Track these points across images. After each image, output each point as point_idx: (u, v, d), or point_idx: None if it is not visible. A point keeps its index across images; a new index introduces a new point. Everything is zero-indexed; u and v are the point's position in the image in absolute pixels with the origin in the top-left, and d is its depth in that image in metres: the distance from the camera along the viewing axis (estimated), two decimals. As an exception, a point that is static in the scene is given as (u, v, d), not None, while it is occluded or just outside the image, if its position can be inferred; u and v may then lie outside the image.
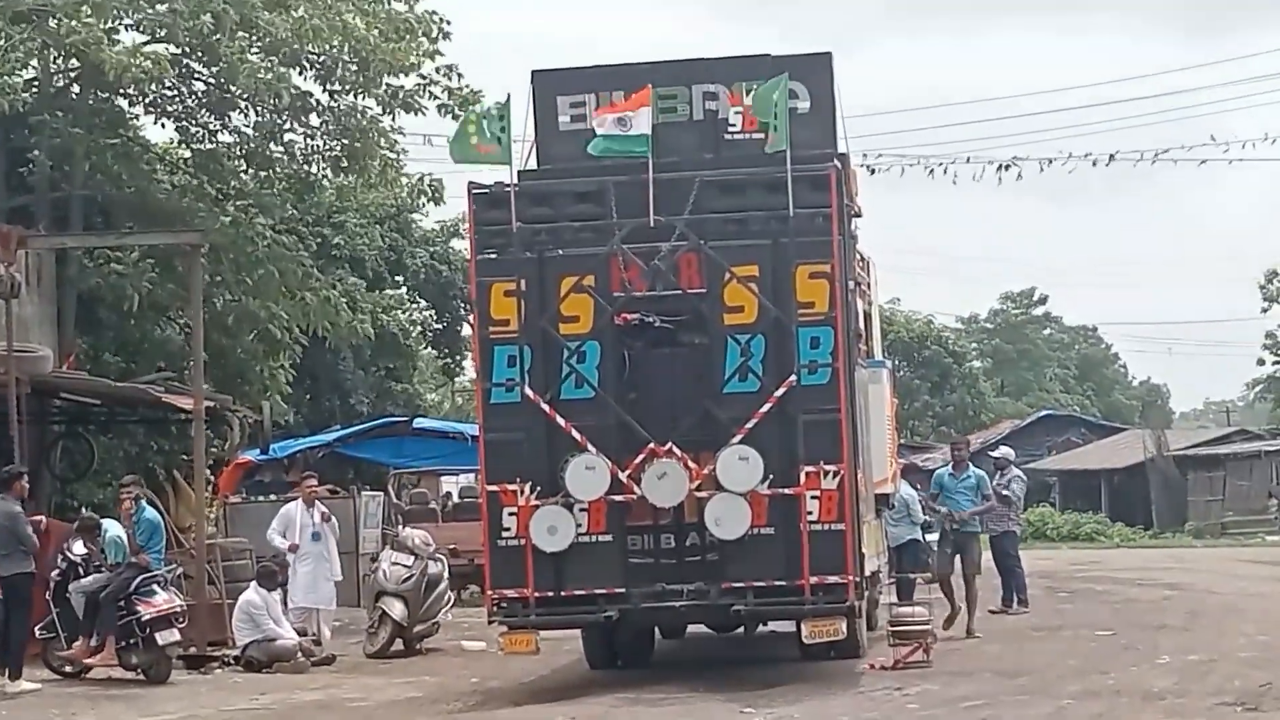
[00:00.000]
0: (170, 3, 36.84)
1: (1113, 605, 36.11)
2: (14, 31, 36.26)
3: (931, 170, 58.17)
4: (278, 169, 42.04)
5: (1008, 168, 58.48)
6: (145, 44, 36.00)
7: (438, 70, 39.67)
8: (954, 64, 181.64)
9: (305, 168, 42.20)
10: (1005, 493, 34.72)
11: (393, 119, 40.52)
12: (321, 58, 39.22)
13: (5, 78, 35.89)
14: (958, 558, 28.03)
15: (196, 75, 40.24)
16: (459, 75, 39.91)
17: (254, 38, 37.35)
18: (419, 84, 39.47)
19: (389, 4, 40.10)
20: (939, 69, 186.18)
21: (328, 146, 41.30)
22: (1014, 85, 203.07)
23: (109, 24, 35.33)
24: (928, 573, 27.30)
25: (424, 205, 49.67)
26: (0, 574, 26.84)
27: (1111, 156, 58.45)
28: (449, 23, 40.21)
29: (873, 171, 51.77)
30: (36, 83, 38.73)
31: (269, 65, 37.34)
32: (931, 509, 28.91)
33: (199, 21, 36.54)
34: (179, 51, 37.98)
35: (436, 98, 39.74)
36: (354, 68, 39.11)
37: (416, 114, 40.02)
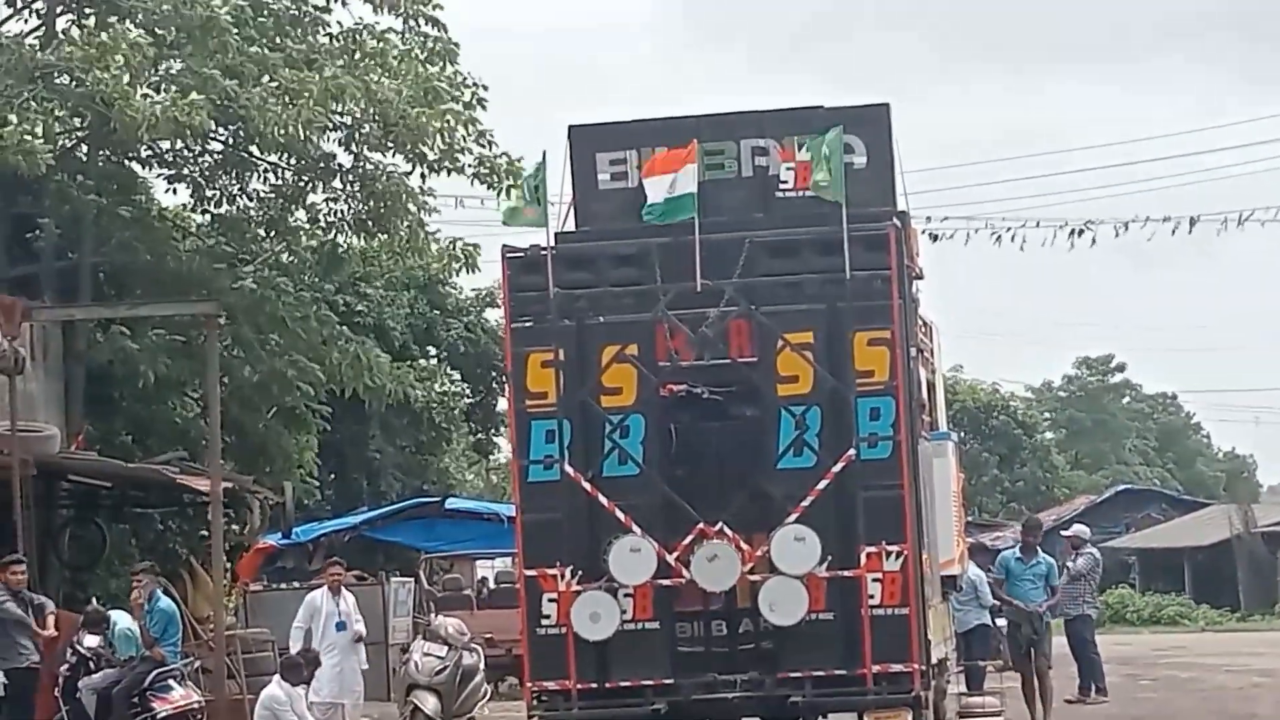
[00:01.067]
0: (187, 60, 37.08)
1: (1199, 694, 36.04)
2: (25, 89, 36.39)
3: (998, 234, 58.28)
4: (301, 237, 42.15)
5: (1081, 232, 58.52)
6: (176, 98, 36.01)
7: (468, 136, 39.78)
8: (1009, 112, 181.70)
9: (328, 235, 42.29)
10: (1086, 579, 34.81)
11: (422, 179, 40.67)
12: (345, 118, 39.45)
13: (29, 139, 35.97)
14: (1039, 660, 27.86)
15: (214, 135, 40.39)
16: (492, 142, 40.08)
17: (280, 92, 37.45)
18: (445, 149, 39.55)
19: (422, 67, 40.28)
20: (992, 118, 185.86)
21: (352, 210, 41.45)
22: (1074, 137, 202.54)
23: (130, 79, 35.41)
24: (999, 659, 27.21)
25: (456, 272, 49.84)
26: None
27: (1193, 220, 58.48)
28: (486, 88, 40.41)
29: (935, 238, 51.87)
30: (43, 143, 38.83)
31: (295, 115, 37.41)
32: (999, 598, 28.76)
33: (218, 80, 36.88)
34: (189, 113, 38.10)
35: (470, 166, 39.89)
36: (379, 129, 39.29)
37: (448, 174, 40.14)
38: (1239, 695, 35.13)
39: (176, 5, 36.95)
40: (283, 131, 37.47)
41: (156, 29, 36.98)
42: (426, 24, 40.82)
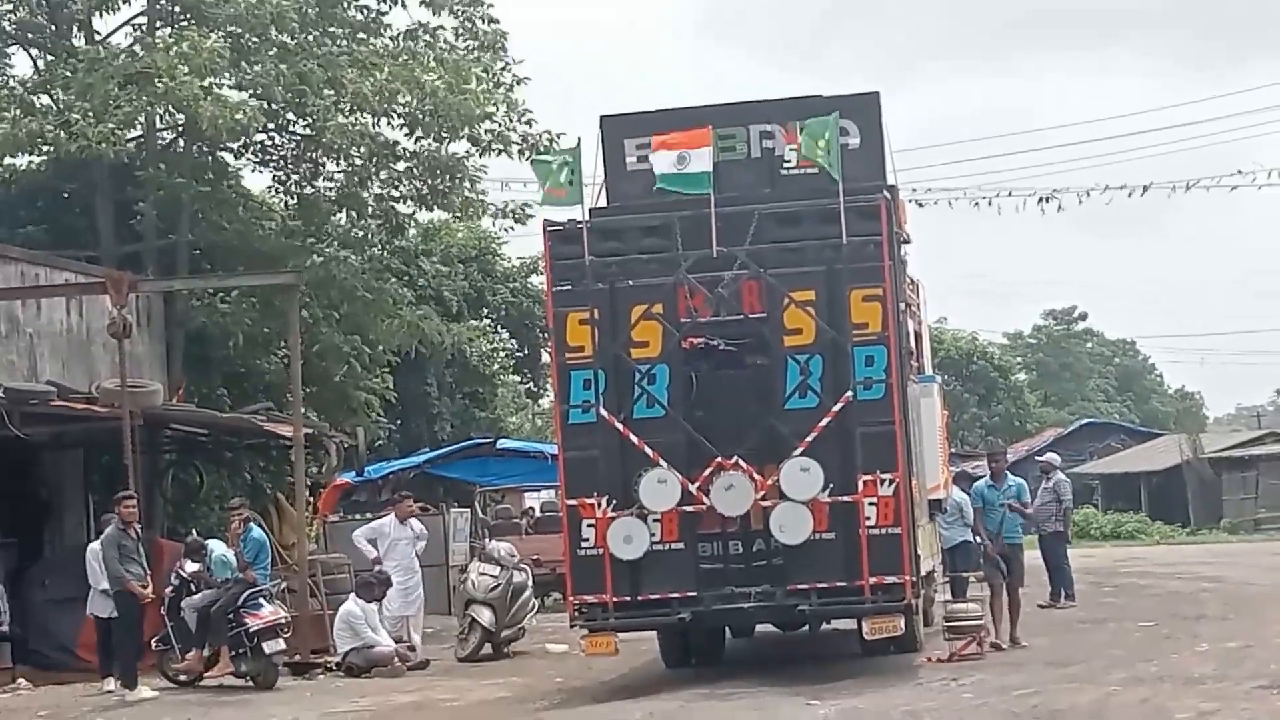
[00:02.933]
0: (262, 62, 37.09)
1: (1154, 598, 36.04)
2: (122, 93, 36.46)
3: (976, 202, 58.62)
4: (368, 210, 42.19)
5: (1049, 199, 58.87)
6: (241, 102, 36.07)
7: (510, 116, 39.78)
8: (990, 95, 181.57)
9: (393, 207, 42.32)
10: (1057, 499, 34.98)
11: (478, 158, 40.71)
12: (404, 112, 39.49)
13: (116, 130, 36.00)
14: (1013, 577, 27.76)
15: (290, 129, 40.45)
16: (532, 121, 40.07)
17: (341, 95, 37.50)
18: (492, 131, 39.56)
19: (459, 54, 40.26)
20: (977, 101, 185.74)
21: (412, 188, 41.50)
22: (1048, 117, 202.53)
23: (207, 82, 35.46)
24: (979, 571, 27.20)
25: (509, 231, 49.87)
26: (108, 591, 27.17)
27: (1145, 188, 58.76)
28: (525, 80, 40.40)
29: (921, 205, 51.88)
30: (143, 138, 38.88)
31: (356, 119, 37.55)
32: (976, 530, 28.59)
33: (288, 79, 36.89)
34: (274, 107, 38.18)
35: (514, 142, 39.87)
36: (434, 119, 39.30)
37: (498, 154, 40.16)
38: (1189, 599, 35.13)
39: (252, 9, 36.93)
40: (349, 127, 37.67)
41: (236, 37, 36.95)
42: (480, 20, 40.72)
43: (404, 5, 40.69)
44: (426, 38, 40.76)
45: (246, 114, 36.02)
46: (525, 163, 39.54)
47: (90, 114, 35.61)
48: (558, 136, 39.25)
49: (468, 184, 41.65)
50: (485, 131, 39.61)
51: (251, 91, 37.16)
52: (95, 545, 27.40)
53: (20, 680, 29.60)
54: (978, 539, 27.57)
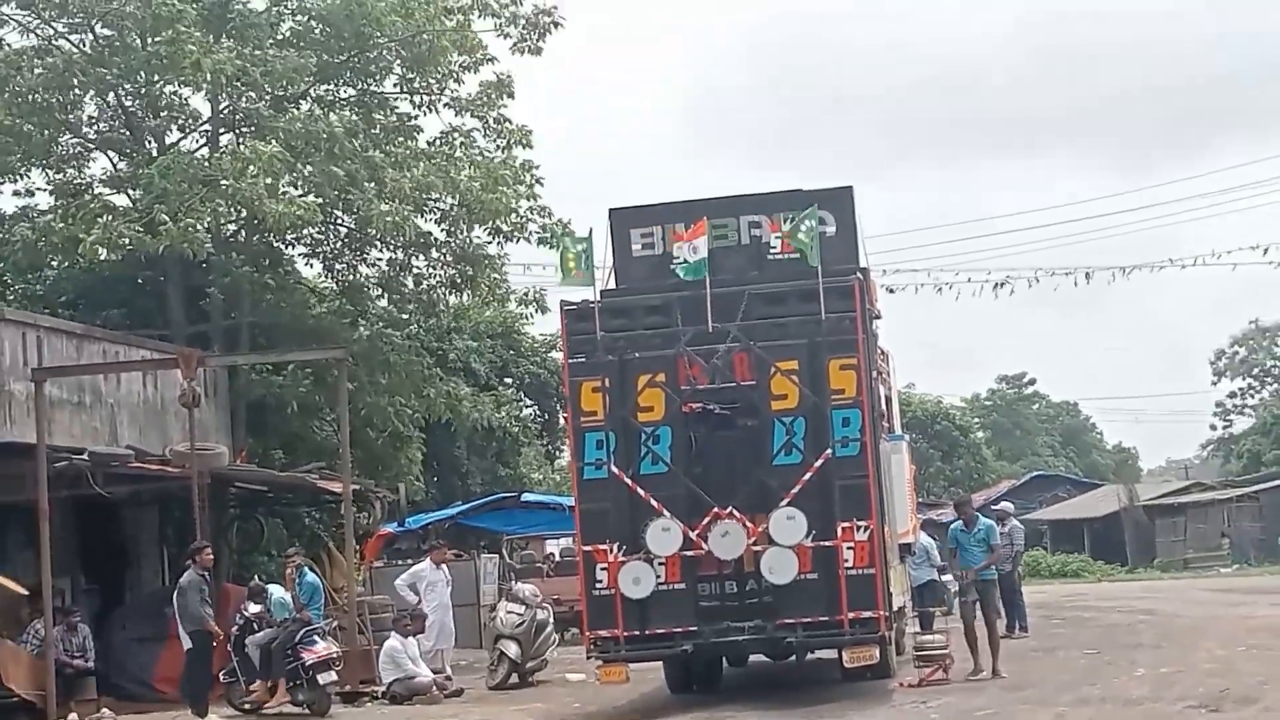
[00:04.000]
0: (314, 164, 37.20)
1: (1097, 629, 36.00)
2: (194, 194, 36.55)
3: (939, 287, 59.23)
4: (406, 294, 42.34)
5: (1002, 284, 59.63)
6: (301, 198, 36.20)
7: (531, 210, 39.96)
8: (944, 190, 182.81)
9: (428, 293, 42.49)
10: (1012, 543, 35.08)
11: (500, 247, 40.85)
12: (438, 204, 39.70)
13: (193, 228, 36.16)
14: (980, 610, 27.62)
15: (339, 221, 40.58)
16: (550, 212, 40.24)
17: (382, 191, 37.60)
18: (516, 223, 39.71)
19: (491, 156, 40.46)
20: (932, 195, 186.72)
21: (444, 275, 41.66)
22: (996, 209, 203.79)
23: (269, 182, 35.56)
24: (944, 607, 27.15)
25: (531, 315, 50.07)
26: (188, 631, 27.16)
27: (1088, 274, 59.43)
28: (540, 171, 40.58)
29: (891, 291, 52.09)
30: (210, 232, 38.91)
31: (396, 210, 37.59)
32: (952, 571, 28.47)
33: (338, 179, 37.02)
34: (324, 202, 38.27)
35: (534, 232, 40.00)
36: (464, 212, 39.51)
37: (517, 242, 40.33)
38: (1127, 629, 35.10)
39: (306, 124, 37.04)
40: (388, 221, 37.71)
41: (291, 143, 37.01)
42: (498, 122, 40.87)
43: (436, 111, 40.86)
44: (460, 140, 40.91)
45: (306, 210, 36.13)
46: (542, 249, 39.91)
47: (169, 215, 35.68)
48: (568, 223, 39.45)
49: (493, 272, 41.83)
50: (508, 223, 39.71)
51: (304, 190, 37.22)
52: (187, 582, 27.36)
53: (105, 710, 29.45)
54: (946, 578, 27.54)
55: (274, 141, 36.55)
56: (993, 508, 47.40)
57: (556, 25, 40.48)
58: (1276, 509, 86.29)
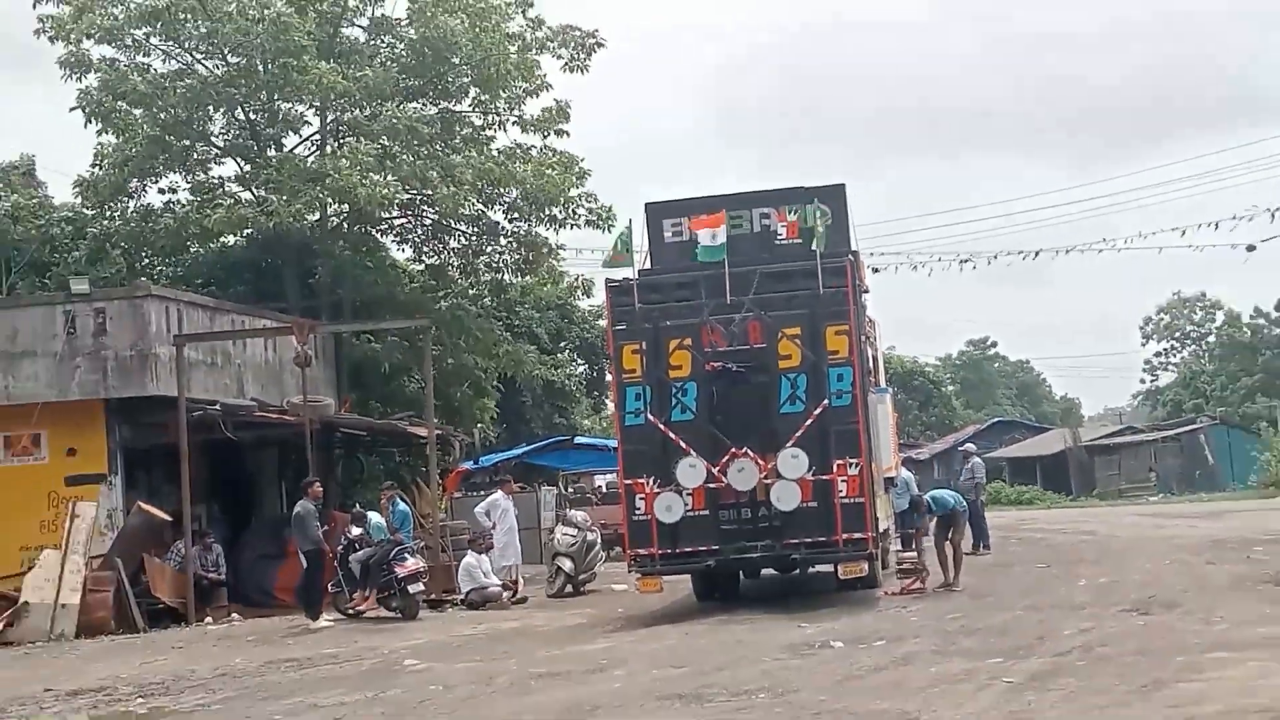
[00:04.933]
0: (404, 160, 37.30)
1: (1046, 548, 35.90)
2: (304, 187, 36.67)
3: (916, 267, 59.30)
4: (480, 274, 42.34)
5: (967, 261, 59.84)
6: (384, 181, 36.26)
7: (580, 195, 39.91)
8: (921, 184, 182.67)
9: (498, 274, 42.52)
10: (974, 476, 35.17)
11: (556, 234, 40.90)
12: (504, 199, 39.80)
13: (299, 211, 36.42)
14: (949, 533, 27.47)
15: (424, 213, 40.57)
16: (595, 198, 40.17)
17: (449, 178, 37.69)
18: (568, 208, 39.70)
19: (540, 150, 40.62)
20: (911, 187, 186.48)
21: (511, 260, 41.70)
22: (964, 200, 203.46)
23: (361, 177, 35.74)
24: (921, 533, 27.04)
25: (579, 297, 50.34)
26: (303, 550, 27.29)
27: (1037, 252, 59.48)
28: (587, 164, 40.52)
29: (877, 270, 51.83)
30: (319, 222, 39.00)
31: (462, 194, 37.79)
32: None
33: (423, 175, 37.22)
34: (411, 194, 38.44)
35: (583, 215, 39.94)
36: (526, 205, 39.57)
37: (570, 228, 40.28)
38: (1071, 547, 35.00)
39: (395, 120, 37.18)
40: (452, 203, 37.84)
41: (382, 141, 37.17)
42: (556, 135, 40.97)
43: (505, 129, 40.88)
44: (520, 153, 40.83)
45: (389, 189, 36.34)
46: (588, 230, 39.99)
47: (283, 200, 36.00)
48: (611, 208, 39.67)
49: (551, 258, 42.00)
50: (561, 209, 39.72)
51: (394, 177, 37.24)
52: (303, 511, 27.45)
53: (234, 615, 29.67)
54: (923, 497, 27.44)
55: (366, 142, 36.83)
56: (959, 448, 47.53)
57: (600, 45, 40.60)
58: (1194, 448, 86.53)
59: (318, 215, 38.63)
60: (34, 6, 38.35)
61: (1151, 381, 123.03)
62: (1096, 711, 12.13)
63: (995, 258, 62.26)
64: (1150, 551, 31.53)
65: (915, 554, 25.64)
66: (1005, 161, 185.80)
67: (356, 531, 28.49)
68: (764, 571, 26.89)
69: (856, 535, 23.56)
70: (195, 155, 39.94)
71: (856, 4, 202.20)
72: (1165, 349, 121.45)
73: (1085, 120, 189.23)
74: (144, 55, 39.21)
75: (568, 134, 40.74)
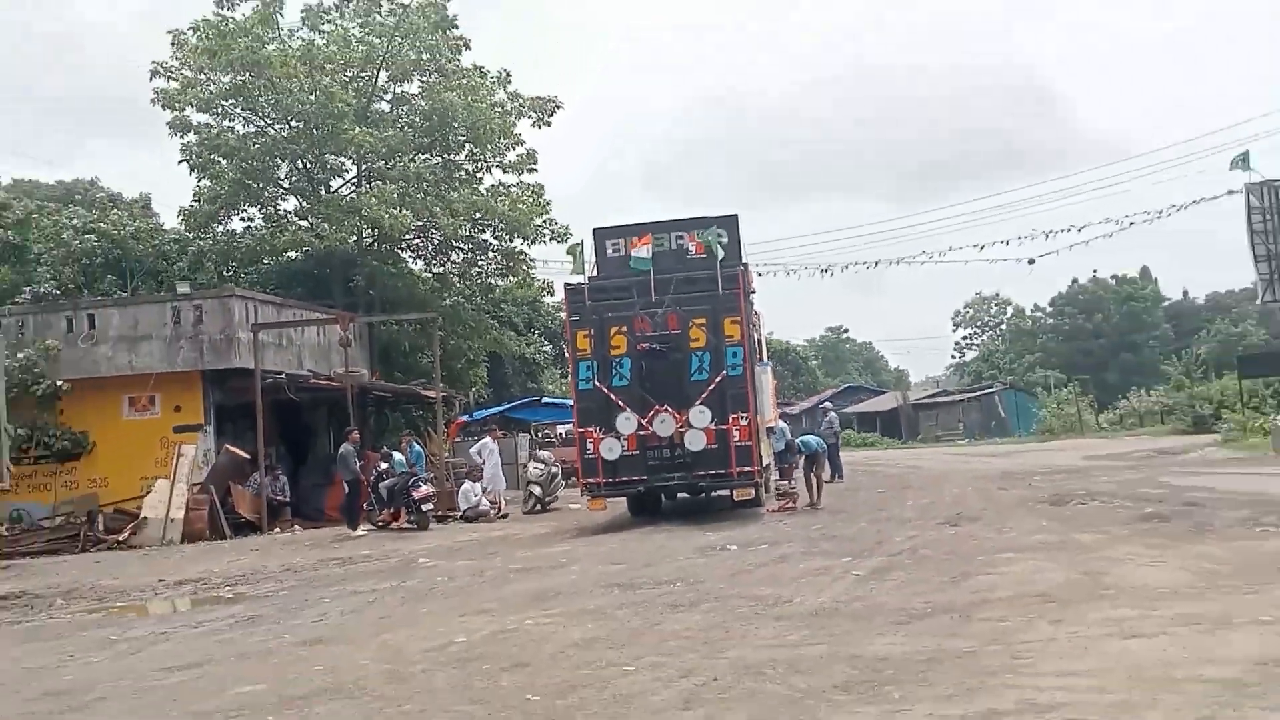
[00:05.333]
0: (416, 198, 37.56)
1: (885, 477, 36.11)
2: (345, 218, 36.81)
3: (789, 273, 59.73)
4: (473, 279, 42.38)
5: (825, 270, 59.93)
6: (403, 214, 36.54)
7: (545, 221, 40.21)
8: (800, 213, 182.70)
9: (486, 279, 42.66)
10: (834, 427, 35.29)
11: (528, 249, 41.15)
12: (489, 223, 40.09)
13: (342, 236, 36.66)
14: (813, 468, 27.53)
15: (432, 237, 40.62)
16: (556, 221, 40.65)
17: (449, 209, 38.05)
18: (534, 232, 40.09)
19: (519, 191, 40.70)
20: (782, 217, 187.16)
21: (496, 267, 41.89)
22: (821, 224, 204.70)
23: (389, 209, 35.98)
24: (793, 468, 27.13)
25: (545, 295, 50.36)
26: (345, 480, 27.18)
27: (876, 263, 59.70)
28: (549, 195, 40.90)
29: (760, 274, 51.94)
30: (356, 243, 38.94)
31: (458, 223, 38.33)
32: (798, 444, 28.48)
33: (431, 208, 37.58)
34: (421, 223, 38.75)
35: (547, 235, 40.29)
36: (503, 227, 39.96)
37: (538, 245, 40.81)
38: (902, 478, 35.25)
39: (407, 172, 37.45)
40: (461, 235, 38.24)
41: (402, 184, 37.40)
42: (528, 174, 41.32)
43: (490, 171, 41.11)
44: (502, 190, 40.97)
45: (407, 219, 37.01)
46: (553, 243, 40.47)
47: (330, 228, 36.33)
48: (568, 227, 40.34)
49: (524, 267, 42.20)
50: (530, 231, 40.10)
51: (409, 210, 37.48)
52: (346, 450, 27.45)
53: (295, 526, 29.62)
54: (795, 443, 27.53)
55: (389, 185, 37.20)
56: (820, 406, 47.70)
57: (559, 108, 40.89)
58: (990, 406, 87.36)
59: (355, 238, 38.67)
60: (150, 80, 38.65)
61: (960, 357, 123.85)
62: (919, 596, 12.23)
63: (845, 268, 63.69)
64: (958, 480, 31.74)
65: (789, 483, 25.70)
66: (851, 198, 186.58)
67: (384, 466, 28.53)
68: (679, 495, 26.96)
69: (746, 469, 23.59)
70: (266, 194, 40.28)
71: (738, 87, 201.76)
72: (970, 334, 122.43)
73: (908, 167, 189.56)
74: (230, 120, 39.50)
75: (536, 171, 41.21)
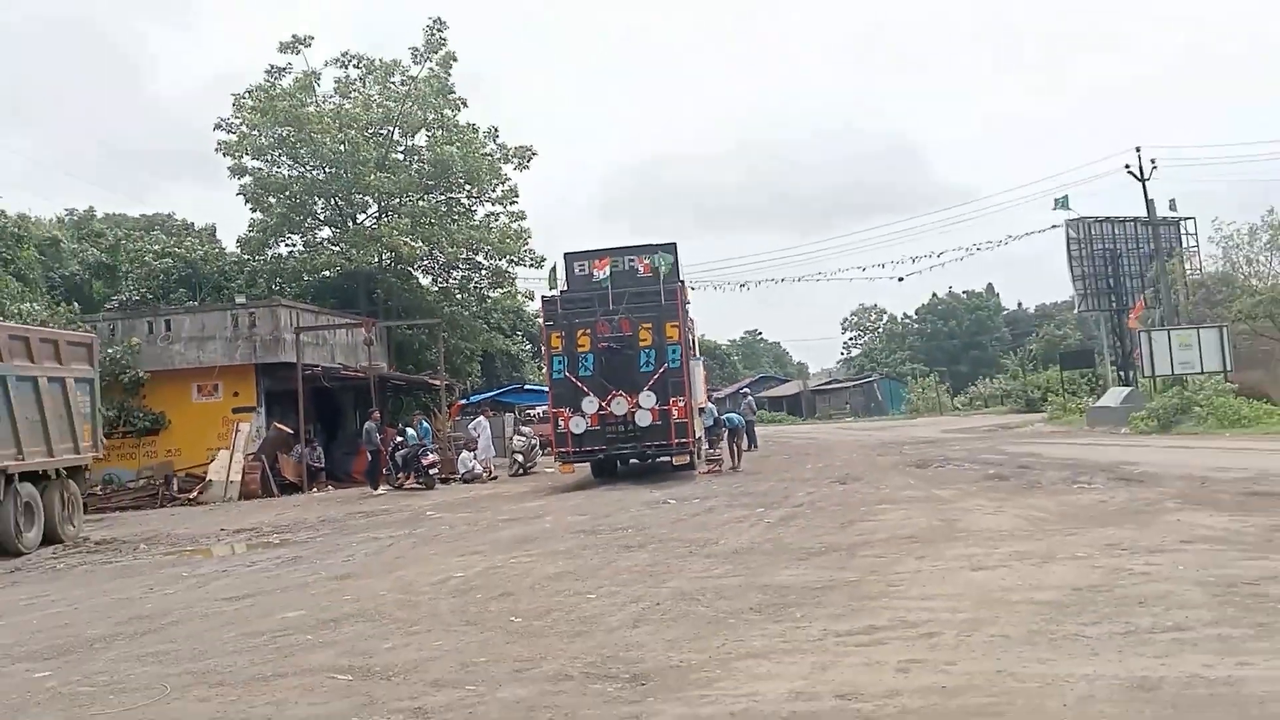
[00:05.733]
0: (424, 228, 37.42)
1: (790, 447, 36.21)
2: (370, 245, 36.62)
3: (717, 288, 60.38)
4: (470, 291, 42.18)
5: (744, 285, 60.69)
6: (417, 244, 36.46)
7: (526, 247, 40.20)
8: (726, 241, 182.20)
9: (480, 291, 42.45)
10: (751, 407, 35.32)
11: (512, 268, 40.95)
12: (481, 248, 39.95)
13: (365, 258, 36.47)
14: (735, 439, 27.58)
15: (437, 259, 40.38)
16: (534, 251, 40.59)
17: (451, 239, 37.93)
18: (518, 255, 39.98)
19: (508, 221, 40.54)
20: (711, 244, 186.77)
21: (489, 281, 41.76)
22: (743, 251, 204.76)
23: (403, 238, 35.82)
24: (718, 439, 27.17)
25: (526, 304, 50.27)
26: (369, 450, 26.99)
27: (782, 279, 60.66)
28: (529, 224, 40.95)
29: (694, 288, 51.95)
30: (377, 262, 38.68)
31: (458, 250, 38.22)
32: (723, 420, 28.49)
33: (437, 236, 37.45)
34: (429, 248, 38.55)
35: (528, 258, 40.21)
36: (493, 251, 39.80)
37: (520, 265, 40.74)
38: (802, 447, 35.35)
39: (416, 208, 37.53)
40: (460, 258, 38.15)
41: (413, 217, 37.19)
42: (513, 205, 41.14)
43: (481, 206, 40.99)
44: (491, 221, 40.86)
45: (418, 248, 36.96)
46: (532, 268, 40.41)
47: (358, 252, 36.00)
48: (544, 258, 40.14)
49: (509, 285, 42.26)
50: (515, 256, 39.92)
51: (419, 240, 37.36)
52: (369, 427, 27.28)
53: (329, 487, 29.39)
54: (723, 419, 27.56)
55: (403, 219, 37.06)
56: (740, 391, 47.79)
57: (534, 154, 40.98)
58: (870, 391, 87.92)
59: (377, 260, 38.42)
60: (214, 131, 38.67)
61: (847, 354, 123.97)
62: (815, 538, 12.30)
63: (759, 283, 63.94)
64: (845, 449, 31.94)
65: (716, 452, 25.75)
66: (763, 231, 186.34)
67: (399, 439, 28.34)
68: (631, 461, 27.00)
69: (683, 440, 23.54)
70: (306, 225, 40.06)
71: (674, 142, 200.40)
72: (854, 335, 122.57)
73: (807, 207, 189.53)
74: (277, 166, 39.12)
75: (516, 202, 41.04)
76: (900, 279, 57.80)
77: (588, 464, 25.40)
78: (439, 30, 39.82)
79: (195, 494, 27.24)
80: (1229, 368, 34.27)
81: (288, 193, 38.44)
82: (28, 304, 29.12)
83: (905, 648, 6.84)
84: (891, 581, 9.13)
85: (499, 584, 10.46)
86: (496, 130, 41.08)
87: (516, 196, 40.92)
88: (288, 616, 9.55)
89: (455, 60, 40.05)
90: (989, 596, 8.21)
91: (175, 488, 27.87)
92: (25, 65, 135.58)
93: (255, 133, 38.32)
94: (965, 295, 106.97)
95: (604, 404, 23.54)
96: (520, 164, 40.77)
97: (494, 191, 40.60)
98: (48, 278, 36.60)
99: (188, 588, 12.16)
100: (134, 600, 11.51)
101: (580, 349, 23.94)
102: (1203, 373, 33.89)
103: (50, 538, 18.29)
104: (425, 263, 40.97)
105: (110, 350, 28.92)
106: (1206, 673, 5.92)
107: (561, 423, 23.79)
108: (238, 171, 38.52)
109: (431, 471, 27.06)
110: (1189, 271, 42.78)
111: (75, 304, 31.64)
